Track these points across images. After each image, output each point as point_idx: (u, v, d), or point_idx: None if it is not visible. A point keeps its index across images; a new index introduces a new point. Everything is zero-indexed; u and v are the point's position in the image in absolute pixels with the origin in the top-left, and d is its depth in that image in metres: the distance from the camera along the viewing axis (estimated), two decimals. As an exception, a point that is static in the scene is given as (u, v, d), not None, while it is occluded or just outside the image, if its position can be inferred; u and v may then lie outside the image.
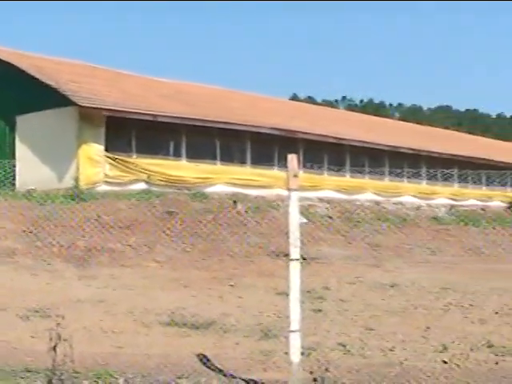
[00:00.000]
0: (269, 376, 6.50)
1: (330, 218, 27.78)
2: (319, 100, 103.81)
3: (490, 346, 8.51)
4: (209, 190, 27.21)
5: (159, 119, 26.44)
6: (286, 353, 6.19)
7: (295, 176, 6.04)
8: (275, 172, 29.00)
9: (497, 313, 11.42)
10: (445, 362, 7.64)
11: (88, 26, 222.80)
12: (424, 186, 38.50)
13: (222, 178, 28.36)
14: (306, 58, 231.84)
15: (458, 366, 7.51)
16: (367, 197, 33.65)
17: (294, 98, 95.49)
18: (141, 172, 26.01)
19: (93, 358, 7.32)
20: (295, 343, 5.92)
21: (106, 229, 19.06)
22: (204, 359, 7.29)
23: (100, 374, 6.79)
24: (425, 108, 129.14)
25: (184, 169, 27.61)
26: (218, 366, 7.00)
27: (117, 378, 6.60)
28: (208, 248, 19.90)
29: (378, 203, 33.05)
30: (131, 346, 8.30)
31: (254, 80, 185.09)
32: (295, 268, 5.95)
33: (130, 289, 13.32)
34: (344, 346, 8.34)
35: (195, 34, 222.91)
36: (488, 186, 42.96)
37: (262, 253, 19.72)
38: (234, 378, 6.56)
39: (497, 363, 7.67)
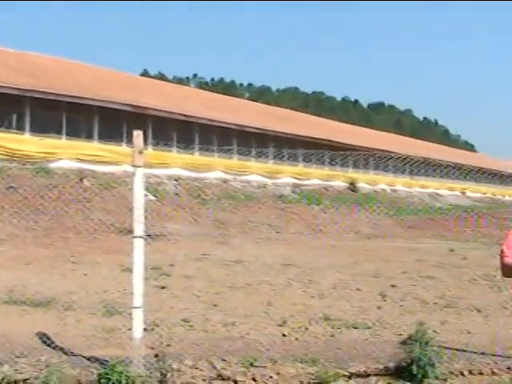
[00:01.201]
0: (111, 353, 6.46)
1: (178, 195, 27.89)
2: (170, 77, 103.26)
3: (327, 319, 8.89)
4: (53, 165, 26.44)
5: (1, 90, 25.31)
6: (129, 329, 6.19)
7: (140, 152, 6.02)
8: (123, 148, 28.65)
9: (334, 287, 11.98)
10: (284, 335, 7.92)
11: None
12: (270, 165, 39.40)
13: (67, 153, 27.62)
14: (158, 33, 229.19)
15: (296, 338, 7.82)
16: (215, 175, 34.02)
17: (145, 73, 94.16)
18: (-20, 145, 24.83)
19: None
20: (138, 319, 5.94)
21: None
22: (44, 337, 7.14)
23: None
24: (274, 89, 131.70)
25: (27, 143, 26.63)
26: (59, 344, 6.88)
27: (-49, 359, 6.33)
28: (52, 225, 19.40)
29: (225, 181, 33.53)
30: (-33, 325, 7.98)
31: (103, 54, 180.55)
32: (139, 245, 5.96)
33: (-34, 267, 12.74)
34: (187, 321, 8.45)
35: (44, 3, 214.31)
36: (331, 166, 44.61)
37: (107, 230, 19.48)
38: (75, 355, 6.48)
39: (333, 335, 8.04)
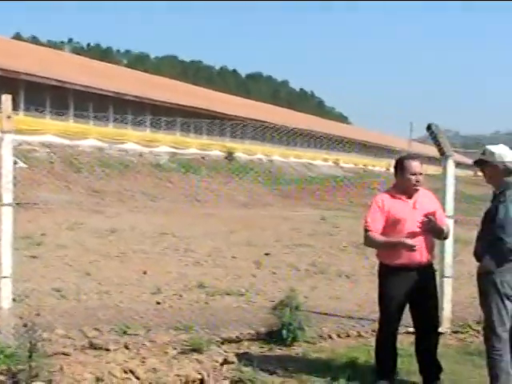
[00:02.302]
0: (-23, 324, 6.27)
1: (51, 163, 27.13)
2: (44, 40, 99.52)
3: (201, 287, 8.99)
4: None
5: None
6: (-2, 300, 6.03)
7: (9, 117, 5.84)
8: (-8, 114, 27.49)
9: (209, 256, 12.10)
10: (158, 303, 7.95)
11: None
12: (147, 133, 38.97)
13: None
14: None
15: (170, 306, 7.87)
16: (90, 142, 33.26)
17: (17, 36, 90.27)
18: None
19: None
20: (6, 289, 5.80)
21: None
22: None
23: None
24: (152, 56, 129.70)
25: None
26: None
27: None
28: None
29: (101, 149, 32.89)
30: None
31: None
32: (8, 212, 5.80)
33: None
34: (59, 291, 8.30)
35: None
36: (208, 135, 44.67)
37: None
38: None
39: (207, 303, 8.15)
